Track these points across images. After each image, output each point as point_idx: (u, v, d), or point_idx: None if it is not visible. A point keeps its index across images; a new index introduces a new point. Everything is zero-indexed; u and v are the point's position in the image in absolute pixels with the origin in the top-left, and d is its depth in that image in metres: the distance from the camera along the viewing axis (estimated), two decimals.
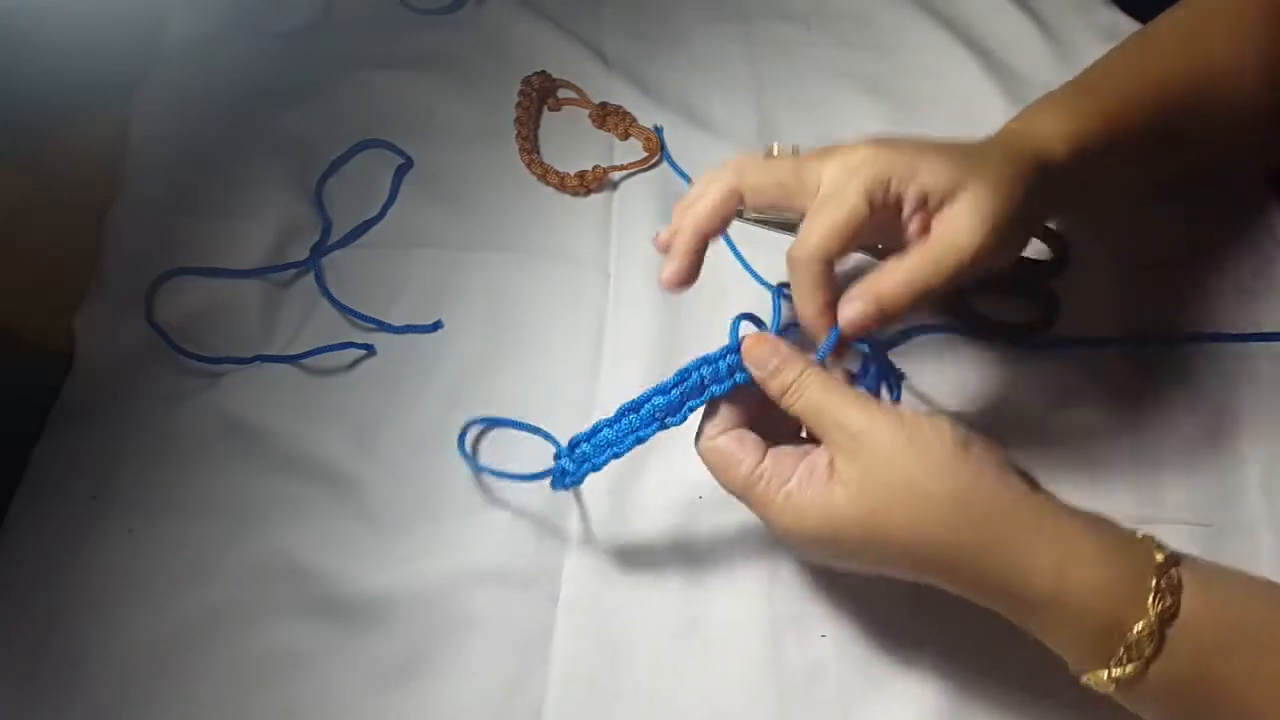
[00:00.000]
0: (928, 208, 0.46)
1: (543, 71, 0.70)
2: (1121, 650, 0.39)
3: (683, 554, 0.52)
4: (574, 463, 0.48)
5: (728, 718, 0.49)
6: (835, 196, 0.46)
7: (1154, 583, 0.39)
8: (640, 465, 0.55)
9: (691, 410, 0.47)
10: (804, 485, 0.43)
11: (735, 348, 0.46)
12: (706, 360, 0.46)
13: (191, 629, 0.50)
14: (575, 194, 0.66)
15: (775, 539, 0.47)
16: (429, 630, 0.50)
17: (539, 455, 0.52)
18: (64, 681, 0.49)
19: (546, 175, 0.66)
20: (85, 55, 0.65)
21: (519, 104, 0.69)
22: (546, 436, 0.54)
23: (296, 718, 0.48)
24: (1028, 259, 0.61)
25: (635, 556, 0.52)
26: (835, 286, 0.47)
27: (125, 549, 0.52)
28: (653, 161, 0.67)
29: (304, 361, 0.58)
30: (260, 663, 0.49)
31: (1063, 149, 0.50)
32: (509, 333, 0.60)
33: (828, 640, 0.50)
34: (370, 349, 0.59)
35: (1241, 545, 0.52)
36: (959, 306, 0.60)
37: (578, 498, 0.54)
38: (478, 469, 0.54)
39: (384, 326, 0.60)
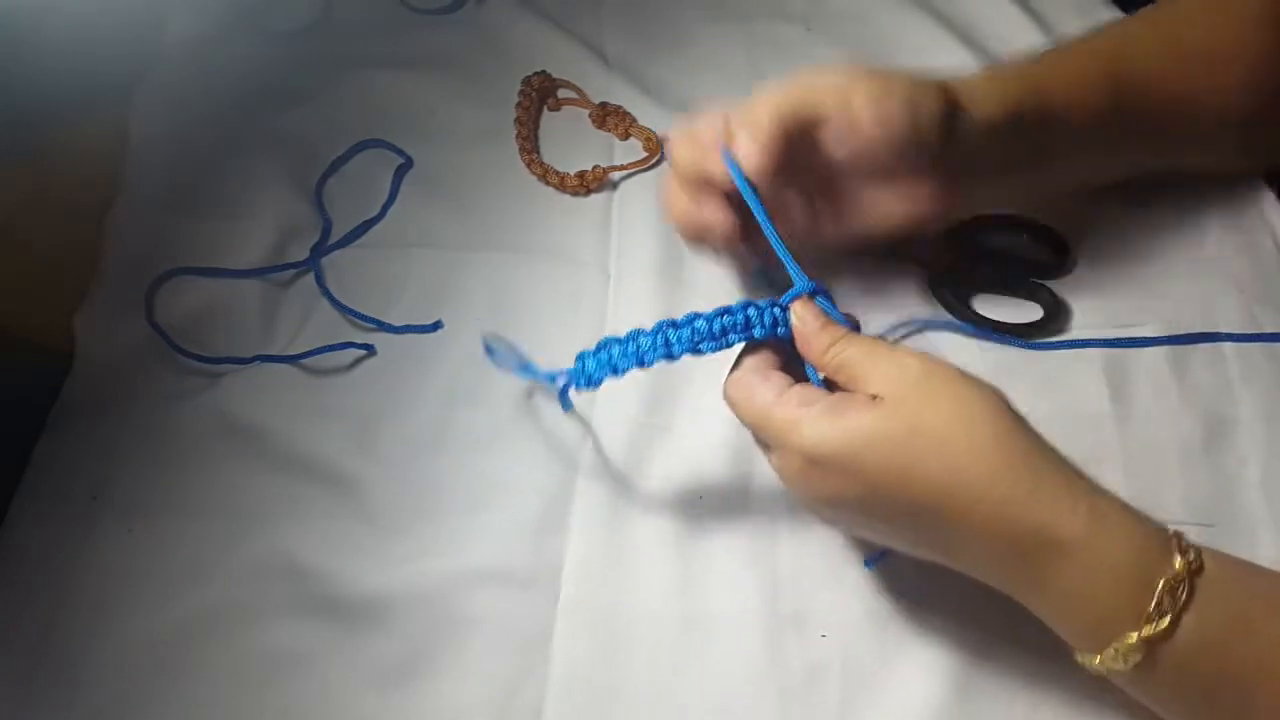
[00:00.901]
0: (856, 119, 0.50)
1: (543, 71, 0.70)
2: (1153, 604, 0.38)
3: (683, 553, 0.52)
4: (597, 360, 0.48)
5: (728, 717, 0.48)
6: (774, 89, 0.51)
7: (1175, 541, 0.40)
8: (641, 465, 0.55)
9: (729, 345, 0.47)
10: (832, 406, 0.42)
11: (785, 304, 0.47)
12: (754, 305, 0.47)
13: (191, 629, 0.50)
14: (575, 194, 0.66)
15: (788, 476, 0.45)
16: (429, 630, 0.50)
17: (537, 448, 0.52)
18: (64, 681, 0.49)
19: (546, 175, 0.66)
20: (85, 55, 0.65)
21: (519, 104, 0.69)
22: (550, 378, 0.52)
23: (296, 718, 0.48)
24: (1028, 259, 0.62)
25: (635, 556, 0.52)
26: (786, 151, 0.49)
27: (125, 549, 0.52)
28: (653, 161, 0.67)
29: (304, 361, 0.58)
30: (260, 663, 0.49)
31: (998, 107, 0.52)
32: (509, 333, 0.59)
33: (828, 640, 0.50)
34: (370, 349, 0.59)
35: (1241, 545, 0.52)
36: (959, 307, 0.60)
37: (578, 501, 0.54)
38: (516, 367, 0.53)
39: (384, 326, 0.60)
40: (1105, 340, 0.59)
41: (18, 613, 0.51)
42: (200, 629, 0.50)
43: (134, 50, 0.70)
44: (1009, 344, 0.59)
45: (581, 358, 0.49)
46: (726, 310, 0.47)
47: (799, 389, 0.44)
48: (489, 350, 0.54)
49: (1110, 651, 0.39)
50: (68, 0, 0.66)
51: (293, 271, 0.62)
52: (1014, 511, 0.40)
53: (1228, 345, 0.58)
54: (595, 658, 0.50)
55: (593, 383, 0.49)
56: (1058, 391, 0.57)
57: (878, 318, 0.59)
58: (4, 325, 0.60)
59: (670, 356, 0.47)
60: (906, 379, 0.42)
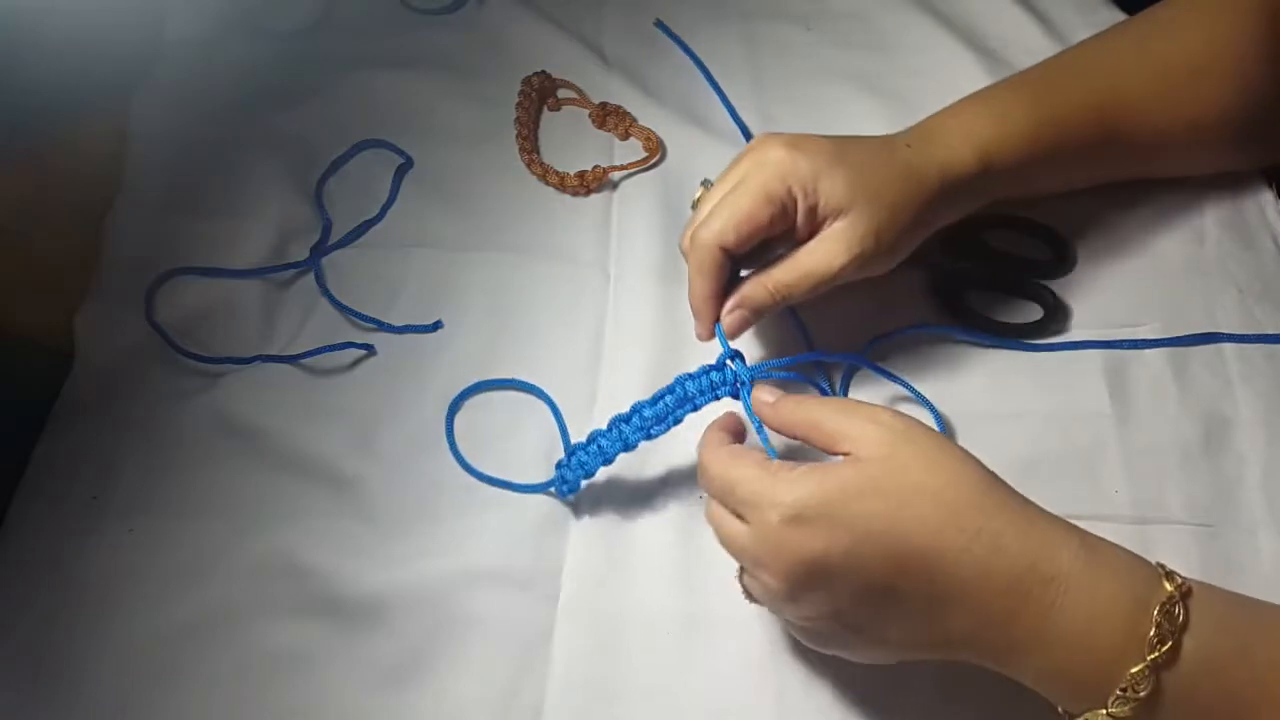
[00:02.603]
0: (816, 218, 0.51)
1: (543, 71, 0.70)
2: (1153, 628, 0.38)
3: (683, 554, 0.52)
4: (572, 470, 0.52)
5: (728, 717, 0.49)
6: (740, 188, 0.51)
7: (1162, 569, 0.40)
8: (641, 465, 0.55)
9: (677, 421, 0.51)
10: (814, 467, 0.42)
11: (720, 365, 0.50)
12: (690, 376, 0.51)
13: (191, 629, 0.50)
14: (575, 194, 0.66)
15: (762, 550, 0.42)
16: (429, 630, 0.50)
17: (534, 448, 0.53)
18: (64, 681, 0.49)
19: (546, 175, 0.66)
20: (85, 55, 0.65)
21: (519, 104, 0.69)
22: (539, 393, 0.56)
23: (296, 718, 0.49)
24: (1028, 259, 0.62)
25: (635, 556, 0.52)
26: (725, 277, 0.52)
27: (125, 549, 0.52)
28: (653, 161, 0.66)
29: (304, 361, 0.58)
30: (260, 663, 0.50)
31: (973, 160, 0.54)
32: (509, 333, 0.60)
33: None
34: (370, 349, 0.59)
35: (1241, 545, 0.52)
36: (959, 306, 0.60)
37: (577, 500, 0.54)
38: (478, 476, 0.54)
39: (384, 326, 0.60)
40: (1105, 341, 0.59)
41: (18, 613, 0.51)
42: (200, 629, 0.50)
43: (134, 50, 0.70)
44: (1009, 344, 0.59)
45: (559, 468, 0.53)
46: (667, 390, 0.51)
47: (779, 461, 0.43)
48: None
49: (1117, 693, 0.38)
50: (68, 0, 0.66)
51: (293, 271, 0.62)
52: (1007, 549, 0.39)
53: (1227, 345, 0.58)
54: (595, 658, 0.50)
55: (574, 489, 0.52)
56: (1057, 392, 0.57)
57: (878, 319, 0.59)
58: (4, 325, 0.60)
59: (628, 447, 0.51)
60: (885, 437, 0.41)
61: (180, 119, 0.67)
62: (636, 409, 0.51)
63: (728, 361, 0.51)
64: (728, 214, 0.50)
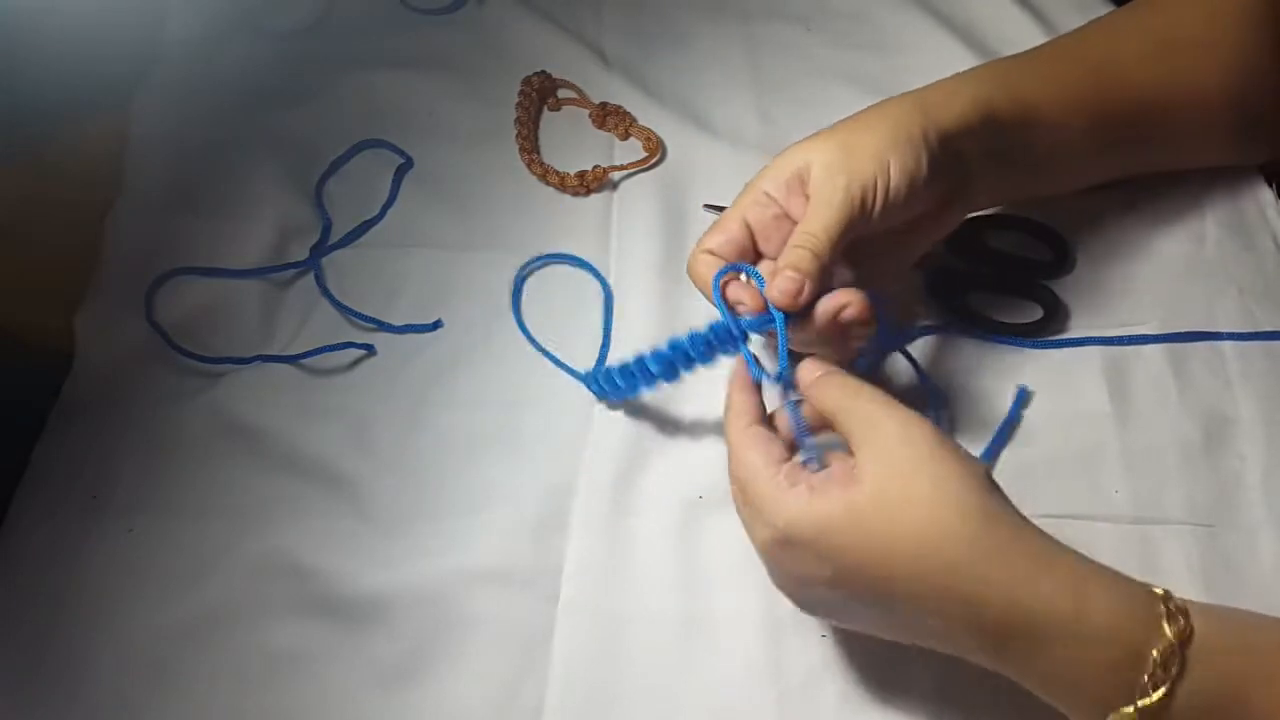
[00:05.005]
0: (792, 189, 0.50)
1: (543, 71, 0.70)
2: (1146, 677, 0.37)
3: (683, 553, 0.52)
4: (598, 385, 0.54)
5: (728, 717, 0.49)
6: (740, 201, 0.51)
7: (1163, 608, 0.39)
8: (641, 465, 0.55)
9: (702, 360, 0.51)
10: (813, 488, 0.42)
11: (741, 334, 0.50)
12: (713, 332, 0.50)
13: (191, 629, 0.50)
14: (575, 194, 0.66)
15: (759, 547, 0.44)
16: (429, 630, 0.50)
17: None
18: (64, 681, 0.49)
19: (546, 175, 0.66)
20: (85, 55, 0.65)
21: (519, 104, 0.69)
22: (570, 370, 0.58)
23: (296, 718, 0.48)
24: (1028, 259, 0.62)
25: (635, 556, 0.52)
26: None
27: (125, 549, 0.52)
28: (653, 161, 0.67)
29: (304, 361, 0.58)
30: (260, 663, 0.49)
31: (968, 101, 0.52)
32: (509, 333, 0.60)
33: (828, 640, 0.50)
34: (370, 349, 0.59)
35: (1241, 545, 0.52)
36: (959, 306, 0.60)
37: (577, 500, 0.54)
38: (539, 348, 0.57)
39: (384, 326, 0.60)
40: (1105, 339, 0.59)
41: (18, 613, 0.51)
42: (200, 629, 0.50)
43: (134, 50, 0.70)
44: (1009, 344, 0.59)
45: (590, 375, 0.55)
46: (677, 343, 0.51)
47: (790, 466, 0.44)
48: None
49: None
50: (68, 0, 0.66)
51: (293, 271, 0.62)
52: (996, 597, 0.39)
53: (1227, 345, 0.58)
54: (595, 658, 0.50)
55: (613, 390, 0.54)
56: (1057, 391, 0.57)
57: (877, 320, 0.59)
58: (4, 325, 0.60)
59: (650, 379, 0.52)
60: (893, 461, 0.41)
61: (180, 119, 0.68)
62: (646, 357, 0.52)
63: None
64: (717, 232, 0.50)
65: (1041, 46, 0.58)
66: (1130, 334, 0.59)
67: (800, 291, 0.47)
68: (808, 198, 0.49)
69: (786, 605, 0.50)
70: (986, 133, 0.52)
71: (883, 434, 0.42)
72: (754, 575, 0.51)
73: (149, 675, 0.49)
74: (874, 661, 0.49)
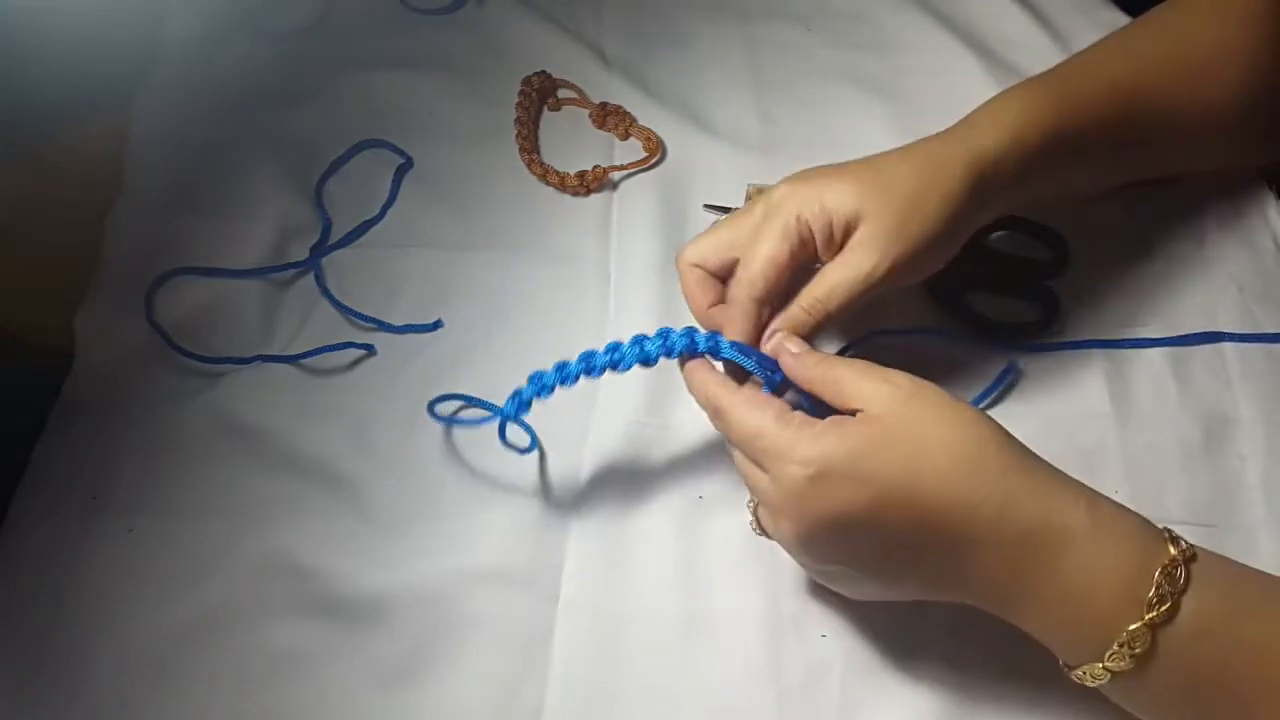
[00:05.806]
0: (834, 236, 0.49)
1: (543, 71, 0.70)
2: (1153, 589, 0.39)
3: (683, 553, 0.52)
4: (526, 390, 0.50)
5: (728, 717, 0.49)
6: (759, 237, 0.49)
7: (1166, 532, 0.41)
8: (640, 465, 0.55)
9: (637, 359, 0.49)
10: (833, 422, 0.43)
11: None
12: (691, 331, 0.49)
13: (191, 629, 0.50)
14: (575, 194, 0.66)
15: (784, 501, 0.43)
16: (429, 630, 0.50)
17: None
18: (64, 681, 0.49)
19: (546, 175, 0.66)
20: (85, 55, 0.65)
21: (519, 104, 0.69)
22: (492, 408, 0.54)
23: (296, 718, 0.48)
24: (1028, 259, 0.62)
25: (635, 556, 0.52)
26: (761, 323, 0.50)
27: (125, 549, 0.52)
28: (653, 161, 0.67)
29: (304, 361, 0.58)
30: (260, 663, 0.50)
31: (1006, 140, 0.52)
32: (509, 333, 0.60)
33: (828, 640, 0.50)
34: (370, 349, 0.59)
35: (1241, 545, 0.52)
36: (959, 306, 0.60)
37: (578, 500, 0.54)
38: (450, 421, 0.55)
39: (384, 326, 0.60)
40: (1105, 341, 0.59)
41: (18, 613, 0.51)
42: (200, 629, 0.50)
43: (134, 50, 0.70)
44: (1009, 345, 0.59)
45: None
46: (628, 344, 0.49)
47: (799, 414, 0.44)
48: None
49: (1114, 648, 0.40)
50: (68, 0, 0.66)
51: (293, 271, 0.62)
52: (1019, 504, 0.41)
53: (1228, 345, 0.58)
54: (595, 658, 0.50)
55: (523, 408, 0.50)
56: (1058, 392, 0.57)
57: (878, 320, 0.59)
58: (4, 325, 0.60)
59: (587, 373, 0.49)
60: (899, 395, 0.43)
61: (180, 119, 0.68)
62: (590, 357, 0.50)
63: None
64: (753, 265, 0.49)
65: (1062, 66, 0.58)
66: (1131, 334, 0.59)
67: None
68: (841, 246, 0.49)
69: (787, 605, 0.51)
70: (1019, 169, 0.52)
71: (881, 380, 0.43)
72: (754, 575, 0.52)
73: (149, 675, 0.49)
74: (874, 662, 0.49)
